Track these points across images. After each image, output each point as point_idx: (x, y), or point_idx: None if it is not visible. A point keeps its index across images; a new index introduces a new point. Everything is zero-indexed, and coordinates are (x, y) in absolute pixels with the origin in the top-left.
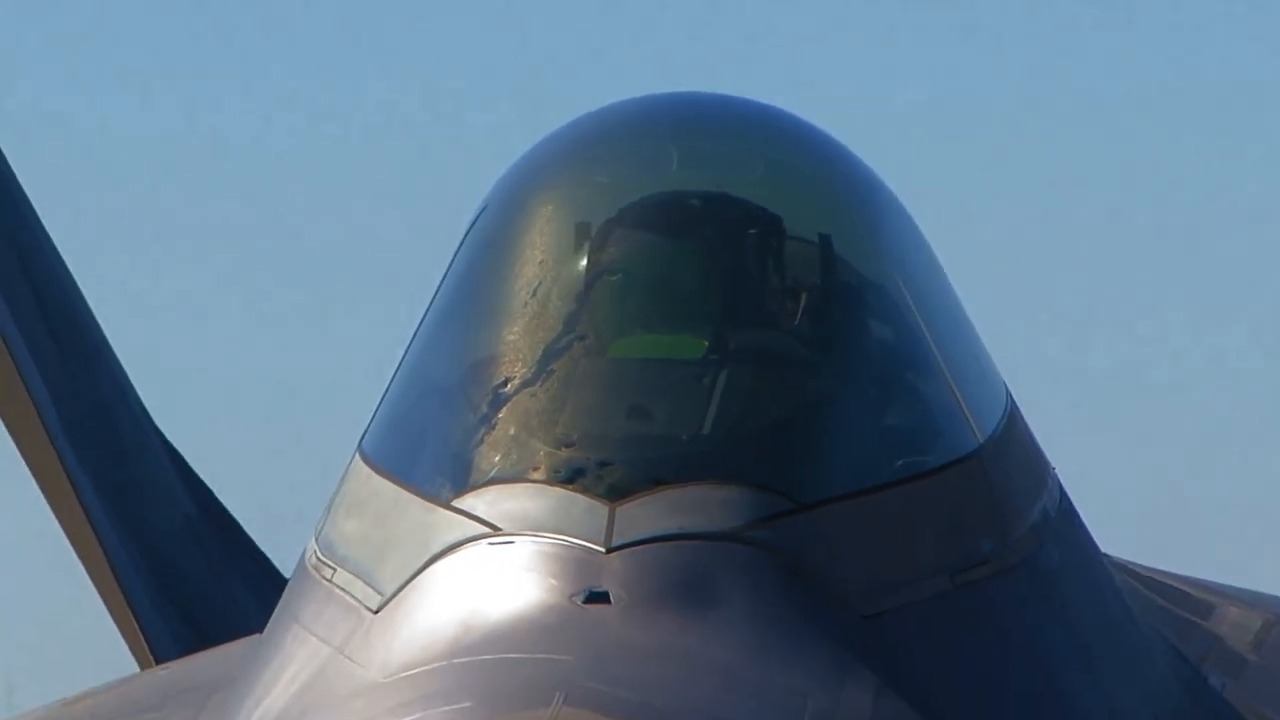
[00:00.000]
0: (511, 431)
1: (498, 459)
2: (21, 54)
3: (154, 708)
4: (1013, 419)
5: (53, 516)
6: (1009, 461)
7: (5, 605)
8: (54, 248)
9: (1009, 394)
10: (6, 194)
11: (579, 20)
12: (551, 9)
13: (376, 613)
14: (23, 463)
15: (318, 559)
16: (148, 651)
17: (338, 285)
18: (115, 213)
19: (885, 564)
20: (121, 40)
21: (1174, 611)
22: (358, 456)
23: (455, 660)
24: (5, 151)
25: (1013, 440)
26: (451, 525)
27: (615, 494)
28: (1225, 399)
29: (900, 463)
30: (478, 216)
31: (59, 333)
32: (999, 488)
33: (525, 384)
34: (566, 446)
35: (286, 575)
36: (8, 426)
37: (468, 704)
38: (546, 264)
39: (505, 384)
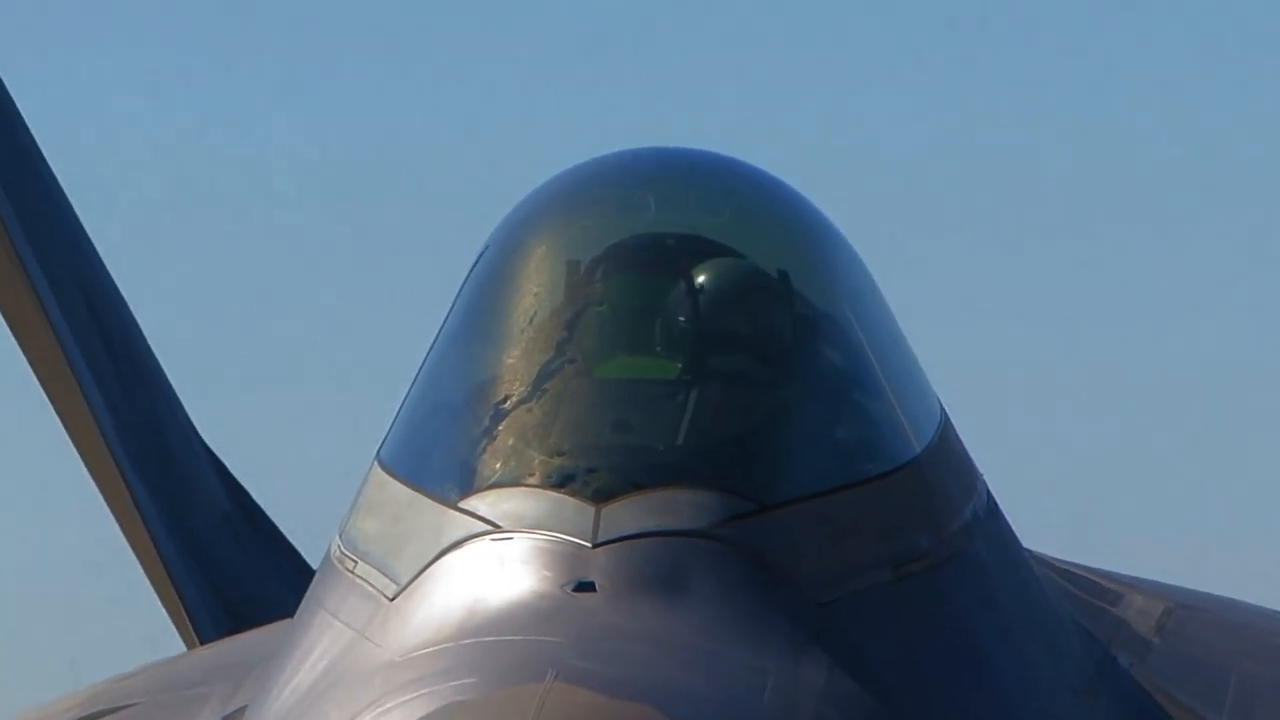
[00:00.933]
0: (510, 442)
1: (498, 466)
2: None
3: (198, 683)
4: (946, 431)
5: (110, 516)
6: (943, 468)
7: (69, 594)
8: (108, 273)
9: (943, 408)
10: (66, 223)
11: (573, 75)
12: (552, 68)
13: (393, 600)
14: (83, 467)
15: (341, 553)
16: (193, 634)
17: (359, 312)
18: (152, 226)
19: (836, 558)
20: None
21: (1086, 599)
22: (376, 464)
23: (461, 641)
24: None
25: (946, 449)
26: (458, 524)
27: (601, 496)
28: (1133, 401)
29: (848, 469)
30: (481, 254)
31: (115, 349)
32: (934, 491)
33: (522, 401)
34: (558, 455)
35: (314, 567)
36: (70, 434)
37: (472, 680)
38: (541, 296)
39: (505, 400)
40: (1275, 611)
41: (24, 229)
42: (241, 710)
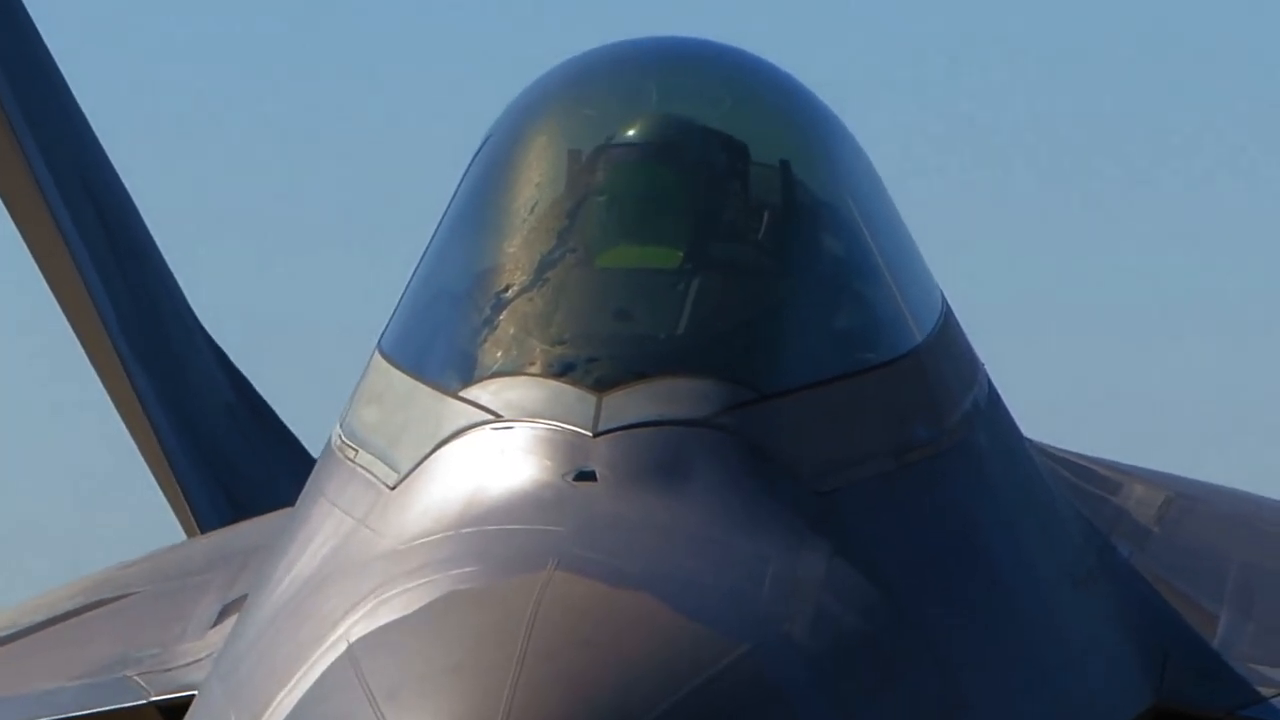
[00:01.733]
0: (512, 331)
1: (500, 355)
2: None
3: (198, 571)
4: (947, 321)
5: (112, 407)
6: (944, 358)
7: (72, 486)
8: (112, 167)
9: (944, 299)
10: (69, 118)
11: None
12: None
13: (393, 489)
14: (86, 358)
15: (342, 441)
16: (194, 523)
17: (362, 201)
18: (157, 119)
19: (836, 447)
20: None
21: (1086, 488)
22: (377, 353)
23: (462, 530)
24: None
25: (947, 339)
26: (459, 413)
27: (602, 385)
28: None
29: (849, 358)
30: (483, 144)
31: (117, 242)
32: (935, 381)
33: (523, 290)
34: (559, 344)
35: (315, 456)
36: (73, 327)
37: (473, 569)
38: (542, 186)
39: (506, 290)
40: (1275, 501)
41: (28, 123)
42: (242, 598)
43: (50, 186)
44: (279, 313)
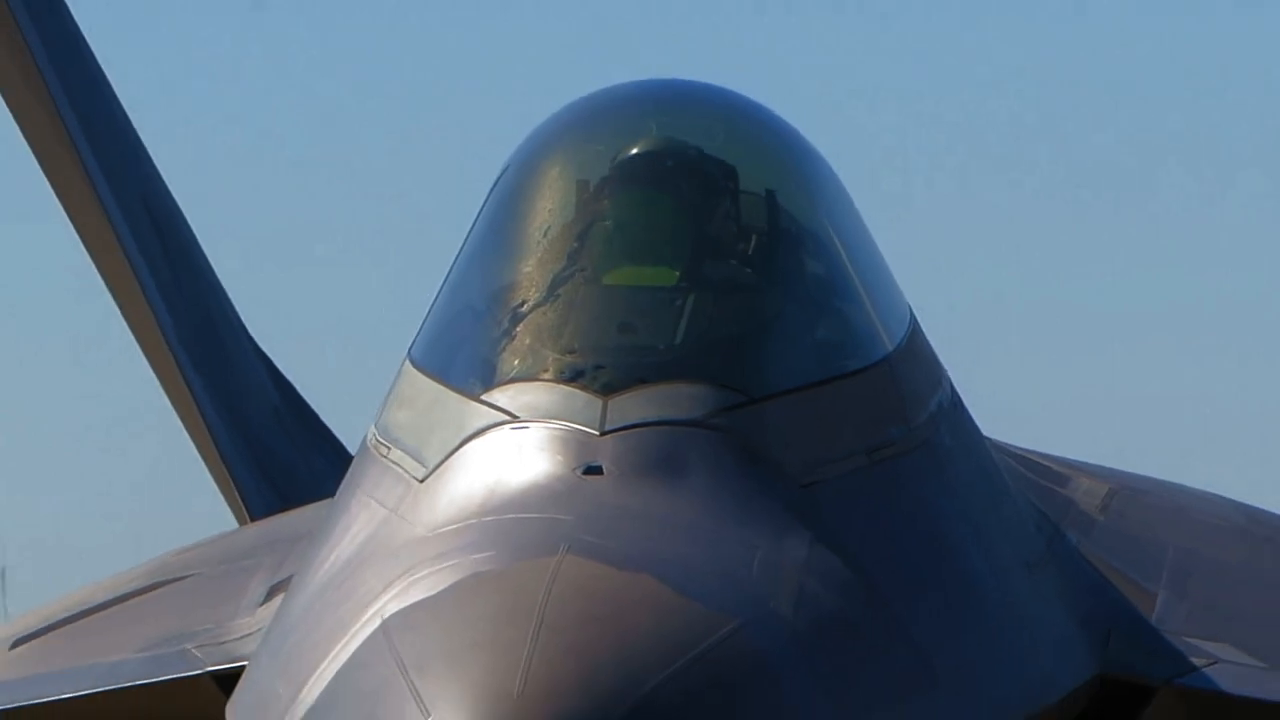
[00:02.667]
0: (527, 342)
1: (516, 363)
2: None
3: (250, 554)
4: (915, 332)
5: (172, 410)
6: (911, 365)
7: (135, 481)
8: (168, 188)
9: (911, 312)
10: (129, 145)
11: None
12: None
13: (422, 482)
14: (148, 367)
15: (376, 440)
16: (245, 513)
17: (393, 223)
18: (205, 141)
19: (817, 445)
20: None
21: (1038, 481)
22: (407, 362)
23: (483, 519)
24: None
25: (914, 348)
26: (480, 414)
27: (608, 390)
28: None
29: (828, 366)
30: (501, 174)
31: (174, 260)
32: (904, 386)
33: (537, 305)
34: (570, 353)
35: (352, 453)
36: (136, 338)
37: (492, 553)
38: (554, 212)
39: (522, 305)
40: (1209, 494)
41: (93, 149)
42: (287, 579)
43: (114, 208)
44: (320, 325)
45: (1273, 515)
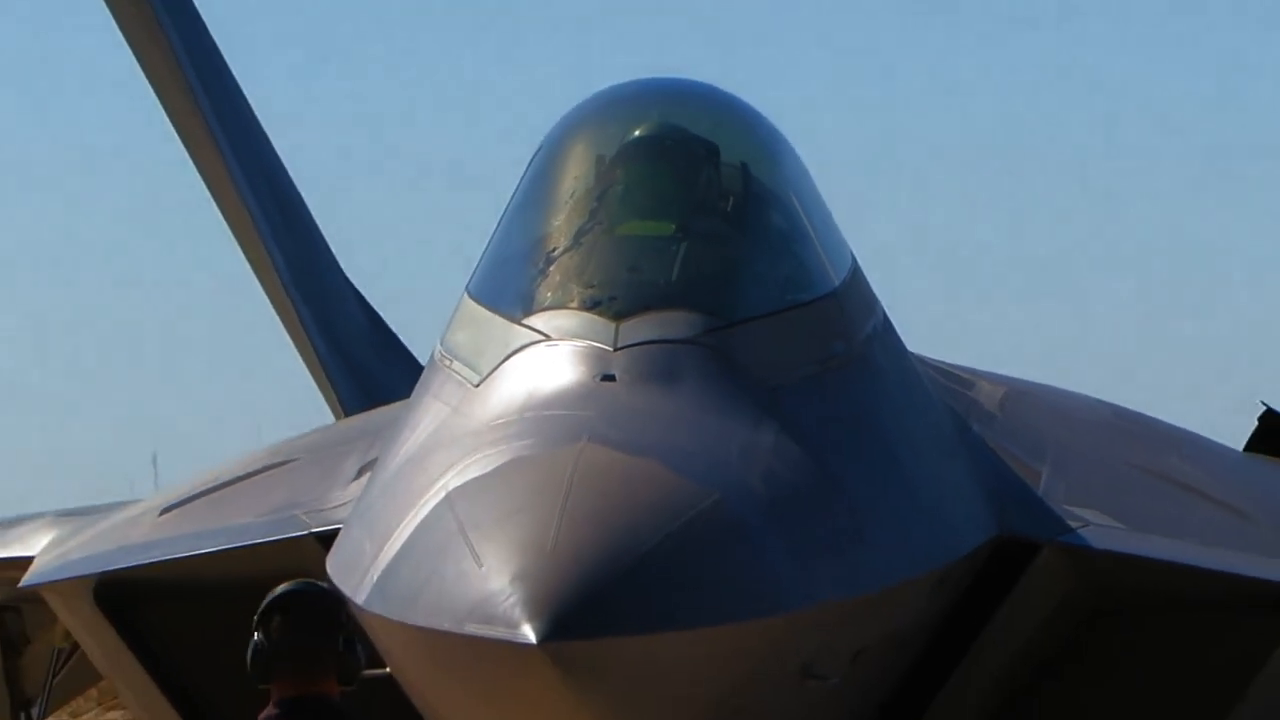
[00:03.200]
0: (558, 279)
1: (549, 295)
2: None
3: (345, 442)
4: (855, 271)
5: (287, 335)
6: (853, 296)
7: (260, 387)
8: (281, 162)
9: (853, 256)
10: (253, 130)
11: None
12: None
13: (477, 387)
14: (269, 303)
15: (442, 355)
16: (341, 411)
17: (453, 189)
18: (309, 122)
19: (780, 358)
20: None
21: (950, 386)
22: (466, 295)
23: (524, 415)
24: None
25: (855, 283)
26: (521, 335)
27: (620, 315)
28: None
29: (790, 297)
30: (538, 151)
31: (287, 217)
32: (846, 313)
33: (565, 250)
34: (590, 288)
35: (423, 365)
36: (259, 279)
37: (530, 441)
38: (578, 179)
39: (554, 251)
40: (1083, 395)
41: (225, 133)
42: (373, 461)
43: (241, 178)
44: (397, 264)
45: (1133, 411)
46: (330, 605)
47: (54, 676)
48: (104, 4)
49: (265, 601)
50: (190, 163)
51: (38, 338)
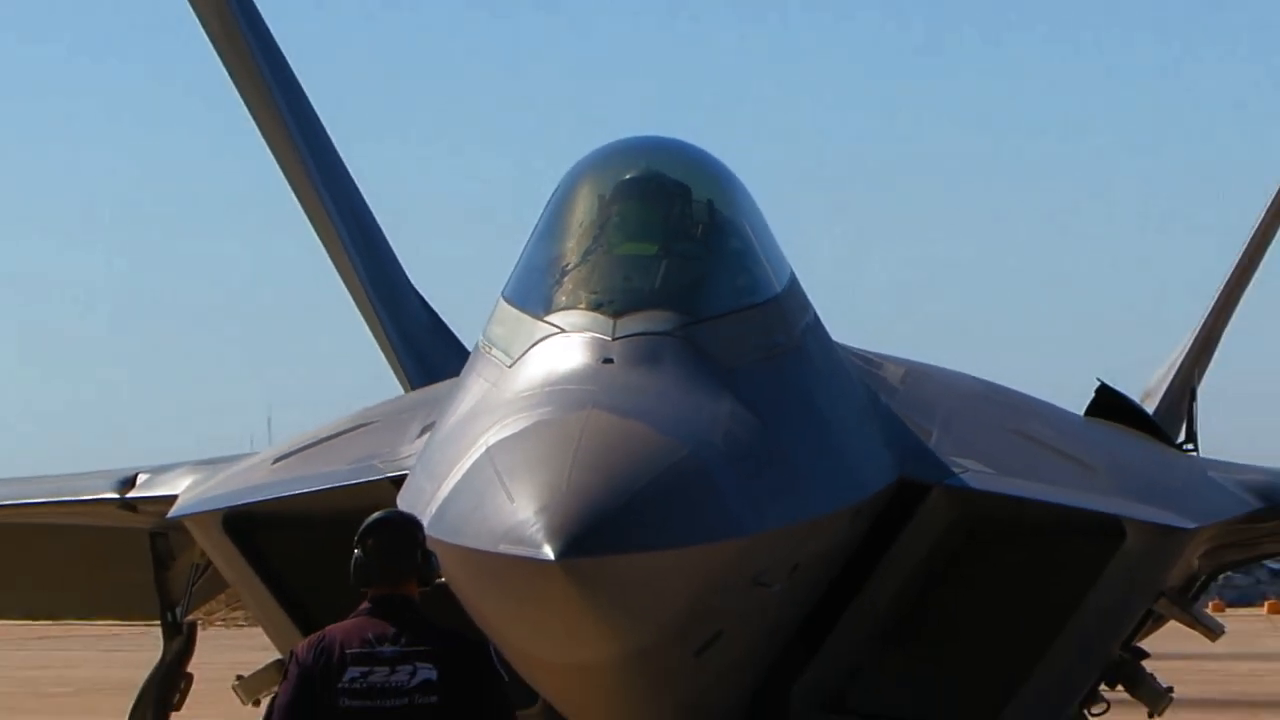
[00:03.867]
0: (570, 287)
1: (564, 299)
2: None
3: (410, 410)
4: (793, 280)
5: (367, 330)
6: (792, 299)
7: (346, 367)
8: (358, 189)
9: (791, 269)
10: (338, 165)
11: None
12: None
13: (509, 368)
14: (355, 308)
15: (485, 343)
16: (409, 387)
17: (496, 219)
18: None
19: (736, 346)
20: None
21: (865, 367)
22: (501, 298)
23: (544, 389)
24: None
25: (793, 290)
26: (543, 328)
27: (617, 314)
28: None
29: (744, 300)
30: (555, 190)
31: (365, 232)
32: (786, 312)
33: (576, 265)
34: (594, 293)
35: (469, 352)
36: (348, 289)
37: (549, 408)
38: (586, 212)
39: (568, 265)
40: (965, 374)
41: (319, 167)
42: (432, 424)
43: (330, 202)
44: (450, 272)
45: (1002, 386)
46: (411, 528)
47: (193, 585)
48: (223, 68)
49: (363, 526)
50: (296, 200)
51: (191, 332)
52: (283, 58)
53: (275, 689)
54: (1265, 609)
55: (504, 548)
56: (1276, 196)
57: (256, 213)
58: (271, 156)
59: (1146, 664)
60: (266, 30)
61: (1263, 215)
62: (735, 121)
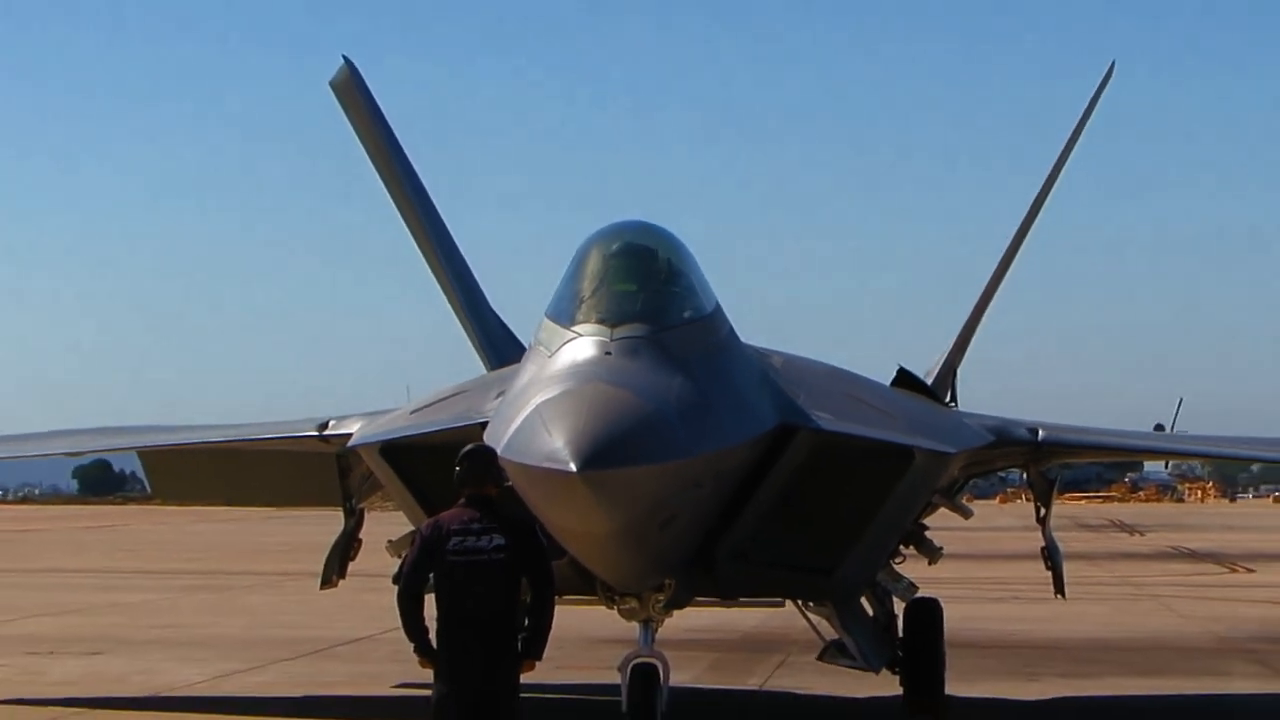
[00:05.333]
0: (586, 309)
1: (582, 316)
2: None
3: (491, 383)
4: (718, 304)
5: (464, 333)
6: (717, 316)
7: (454, 360)
8: (453, 239)
9: (716, 297)
10: (440, 224)
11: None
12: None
13: (549, 358)
14: (457, 321)
15: (534, 342)
16: (490, 370)
17: (541, 268)
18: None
19: (685, 345)
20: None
21: (761, 357)
22: (545, 317)
23: (570, 370)
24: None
25: (719, 310)
26: (569, 334)
27: (614, 325)
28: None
29: (688, 317)
30: (577, 251)
31: (457, 267)
32: (714, 324)
33: (589, 296)
34: (599, 313)
35: (526, 347)
36: (454, 311)
37: (572, 382)
38: (594, 265)
39: (584, 296)
40: (818, 361)
41: (431, 229)
42: (503, 391)
43: (445, 260)
44: (515, 297)
45: (841, 368)
46: (489, 454)
47: (362, 486)
48: (369, 164)
49: (461, 452)
50: (423, 259)
51: (363, 336)
52: (412, 169)
53: (408, 550)
54: (998, 500)
55: (546, 464)
56: (1019, 227)
57: (397, 266)
58: (407, 230)
59: (927, 534)
60: (403, 152)
61: (1010, 239)
62: (689, 207)
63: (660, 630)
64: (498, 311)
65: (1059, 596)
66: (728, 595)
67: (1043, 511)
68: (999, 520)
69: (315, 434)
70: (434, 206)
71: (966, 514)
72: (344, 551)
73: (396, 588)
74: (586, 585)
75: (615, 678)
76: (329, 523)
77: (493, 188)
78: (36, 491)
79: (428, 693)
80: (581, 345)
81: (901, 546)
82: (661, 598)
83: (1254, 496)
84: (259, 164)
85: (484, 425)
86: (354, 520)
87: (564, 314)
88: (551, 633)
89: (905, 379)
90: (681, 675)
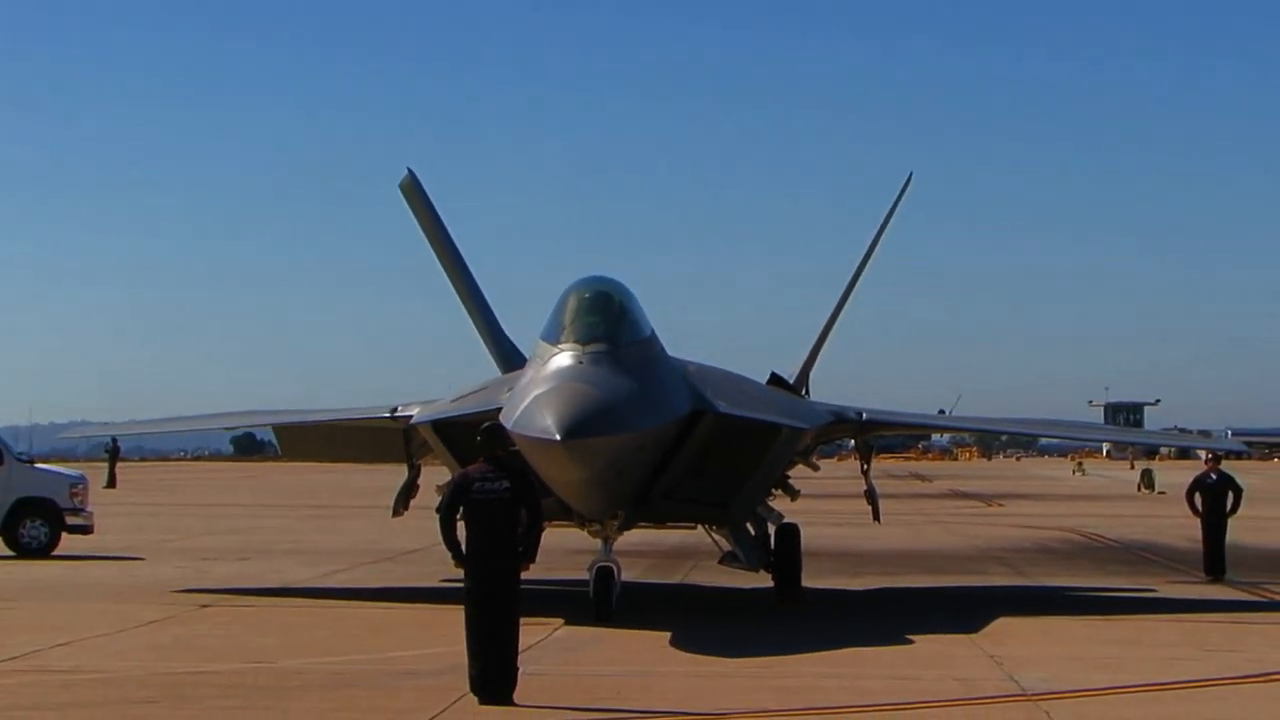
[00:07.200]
0: (566, 333)
1: (563, 338)
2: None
3: (504, 382)
4: (654, 330)
5: (488, 353)
6: (654, 339)
7: (478, 368)
8: (480, 289)
9: (652, 325)
10: (477, 287)
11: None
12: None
13: (542, 366)
14: (484, 344)
15: (532, 355)
16: (503, 373)
17: (536, 303)
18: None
19: (632, 357)
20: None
21: (680, 364)
22: (539, 339)
23: (555, 373)
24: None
25: (654, 335)
26: (554, 350)
27: (585, 344)
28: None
29: (636, 339)
30: (560, 296)
31: (483, 306)
32: (651, 344)
33: (568, 325)
34: (575, 336)
35: (527, 358)
36: (480, 336)
37: (557, 382)
38: (572, 305)
39: (564, 325)
40: (723, 368)
41: (475, 303)
42: (512, 387)
43: (466, 290)
44: (519, 324)
45: (736, 373)
46: (502, 430)
47: (419, 449)
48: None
49: (482, 426)
50: (455, 294)
51: (412, 354)
52: (448, 232)
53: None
54: (837, 459)
55: (540, 435)
56: (861, 259)
57: (440, 302)
58: (447, 279)
59: (790, 481)
60: (439, 216)
61: (856, 266)
62: (643, 258)
63: (615, 544)
64: (509, 334)
65: (876, 522)
66: (660, 521)
67: (865, 466)
68: (837, 473)
69: (388, 415)
70: (465, 262)
71: (815, 468)
72: (407, 493)
73: (439, 516)
74: (566, 515)
75: (585, 575)
76: (397, 474)
77: (504, 238)
78: (205, 452)
79: (460, 584)
80: (563, 357)
81: (773, 489)
82: (616, 523)
83: (1004, 457)
84: (337, 230)
85: (499, 410)
86: (414, 472)
87: (551, 336)
88: (541, 545)
89: (776, 379)
90: (629, 573)
